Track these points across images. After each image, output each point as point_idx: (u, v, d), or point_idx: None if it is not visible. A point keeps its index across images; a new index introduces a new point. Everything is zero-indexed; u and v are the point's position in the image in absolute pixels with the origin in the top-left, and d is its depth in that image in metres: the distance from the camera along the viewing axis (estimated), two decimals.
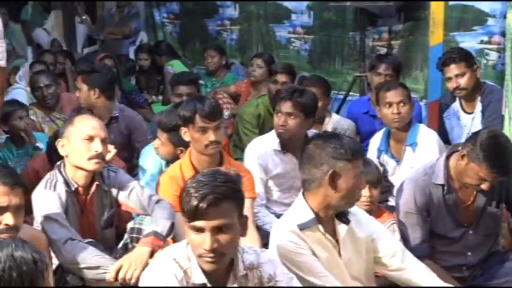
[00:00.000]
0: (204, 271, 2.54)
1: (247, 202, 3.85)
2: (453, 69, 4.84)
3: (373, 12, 6.74)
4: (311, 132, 4.28)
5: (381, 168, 4.45)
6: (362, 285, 3.10)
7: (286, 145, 4.30)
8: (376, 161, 4.43)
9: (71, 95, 6.11)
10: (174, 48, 8.48)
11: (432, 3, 5.60)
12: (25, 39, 9.44)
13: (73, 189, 3.49)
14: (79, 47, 9.48)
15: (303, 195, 3.05)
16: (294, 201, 3.11)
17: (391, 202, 4.44)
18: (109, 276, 3.15)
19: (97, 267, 3.17)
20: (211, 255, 2.46)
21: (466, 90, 4.87)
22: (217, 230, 2.44)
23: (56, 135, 3.68)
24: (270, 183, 4.41)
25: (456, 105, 5.06)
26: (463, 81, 4.84)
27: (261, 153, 4.36)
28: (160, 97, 7.86)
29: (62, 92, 6.03)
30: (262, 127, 5.40)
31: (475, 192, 3.64)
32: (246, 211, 3.80)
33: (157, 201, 3.55)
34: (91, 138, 3.44)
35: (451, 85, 4.89)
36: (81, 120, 3.56)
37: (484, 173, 3.38)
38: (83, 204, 3.55)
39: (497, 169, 3.37)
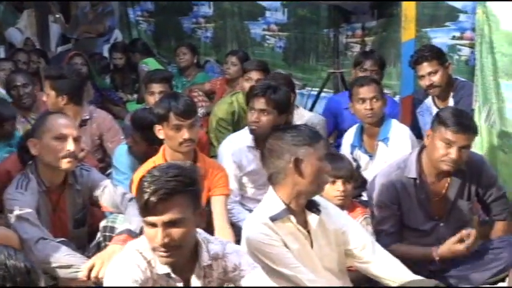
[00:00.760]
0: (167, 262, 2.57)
1: (221, 199, 3.94)
2: (426, 67, 4.89)
3: (346, 9, 6.77)
4: None
5: (354, 164, 4.49)
6: (334, 276, 3.12)
7: (260, 142, 4.31)
8: (349, 157, 4.46)
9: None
10: (149, 46, 8.45)
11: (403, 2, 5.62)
12: None
13: (45, 188, 3.47)
14: (53, 45, 9.41)
15: (273, 189, 3.07)
16: (264, 196, 3.13)
17: (365, 197, 4.47)
18: (81, 275, 3.14)
19: (69, 266, 3.15)
20: (163, 249, 2.48)
21: (439, 88, 4.92)
22: (169, 225, 2.46)
23: (27, 135, 3.66)
24: (245, 179, 4.42)
25: (429, 101, 5.10)
26: (436, 79, 4.89)
27: (235, 150, 4.37)
28: (135, 96, 7.83)
29: (37, 92, 5.96)
30: (237, 124, 5.39)
31: (446, 184, 3.70)
32: (220, 208, 3.90)
33: (131, 199, 3.54)
34: (63, 137, 3.43)
35: (424, 83, 4.93)
36: (53, 119, 3.54)
37: (449, 135, 3.49)
38: (55, 203, 3.53)
39: (458, 126, 3.48)
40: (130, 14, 9.45)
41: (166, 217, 2.45)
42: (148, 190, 2.44)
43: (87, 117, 5.00)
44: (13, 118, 4.89)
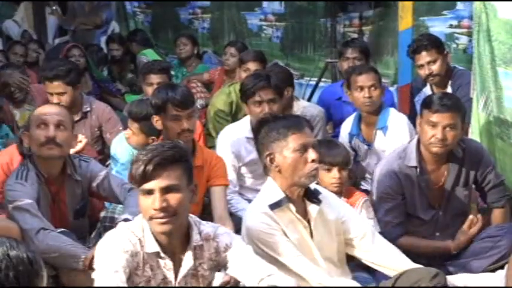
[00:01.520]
0: (157, 241, 2.61)
1: (220, 189, 3.95)
2: (425, 57, 4.88)
3: None
4: None
5: (353, 153, 4.49)
6: (334, 266, 3.13)
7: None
8: (347, 146, 4.46)
9: (42, 87, 6.02)
10: (148, 37, 8.43)
11: None
12: None
13: (43, 179, 3.47)
14: (50, 37, 9.40)
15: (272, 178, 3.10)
16: (263, 185, 3.14)
17: (364, 186, 4.49)
18: (82, 265, 3.14)
19: (70, 257, 3.15)
20: (162, 214, 2.54)
21: (438, 77, 4.92)
22: (166, 190, 2.54)
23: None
24: (243, 170, 4.42)
25: (427, 89, 5.10)
26: (435, 68, 4.88)
27: (234, 141, 4.37)
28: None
29: (33, 83, 5.95)
30: (235, 115, 5.40)
31: (445, 172, 3.71)
32: (219, 198, 3.91)
33: (129, 190, 3.55)
34: (44, 124, 3.42)
35: (423, 72, 4.93)
36: (40, 109, 3.56)
37: (432, 116, 3.56)
38: (54, 194, 3.53)
39: (439, 106, 3.56)
40: (127, 5, 9.45)
41: (163, 182, 2.53)
42: (145, 158, 2.53)
43: (88, 109, 5.01)
44: None
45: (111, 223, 3.48)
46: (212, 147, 4.77)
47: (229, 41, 7.34)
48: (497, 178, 3.86)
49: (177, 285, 2.67)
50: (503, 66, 4.25)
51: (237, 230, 3.42)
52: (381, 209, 3.77)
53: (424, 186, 3.73)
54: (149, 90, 5.06)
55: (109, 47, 8.19)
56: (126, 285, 2.52)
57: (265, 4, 7.85)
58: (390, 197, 3.74)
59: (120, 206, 3.54)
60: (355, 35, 6.91)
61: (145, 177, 2.52)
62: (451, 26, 6.15)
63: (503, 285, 3.24)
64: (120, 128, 4.89)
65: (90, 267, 3.11)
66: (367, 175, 4.59)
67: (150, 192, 2.54)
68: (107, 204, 3.83)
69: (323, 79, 6.71)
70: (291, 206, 3.04)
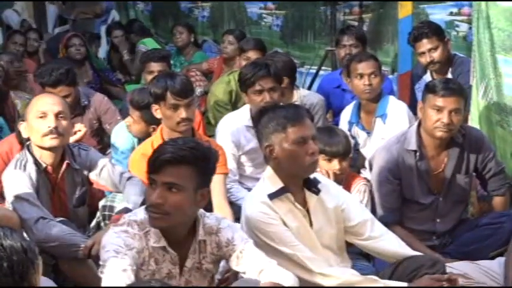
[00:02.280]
0: (163, 235, 2.60)
1: (219, 177, 3.94)
2: (426, 44, 4.87)
3: None
4: None
5: (352, 141, 4.49)
6: (333, 254, 3.13)
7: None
8: (347, 134, 4.45)
9: None
10: (145, 27, 8.41)
11: None
12: None
13: (42, 168, 3.47)
14: (50, 27, 9.39)
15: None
16: (263, 174, 3.13)
17: (363, 174, 4.48)
18: (81, 254, 3.15)
19: (69, 246, 3.16)
20: (153, 209, 2.54)
21: (439, 64, 4.91)
22: (167, 187, 2.53)
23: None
24: (243, 158, 4.42)
25: (428, 77, 5.09)
26: (436, 55, 4.87)
27: (233, 130, 4.36)
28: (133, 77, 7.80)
29: (32, 73, 5.93)
30: (235, 103, 5.39)
31: (446, 159, 3.72)
32: (219, 186, 3.90)
33: (129, 178, 3.55)
34: (44, 115, 3.41)
35: (424, 59, 4.92)
36: (36, 99, 3.55)
37: (437, 101, 3.57)
38: (53, 183, 3.53)
39: (445, 90, 3.57)
40: None
41: (166, 178, 2.53)
42: (162, 150, 2.55)
43: (86, 102, 5.00)
44: None
45: (110, 212, 3.48)
46: (212, 136, 4.77)
47: (227, 29, 7.31)
48: (498, 166, 3.86)
49: (181, 278, 2.68)
50: (502, 53, 4.25)
51: (237, 219, 3.43)
52: (376, 193, 3.79)
53: (423, 171, 3.73)
54: (150, 78, 5.05)
55: (112, 34, 8.12)
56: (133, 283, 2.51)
57: None
58: (387, 180, 3.74)
59: (120, 194, 3.53)
60: (355, 23, 6.89)
61: (155, 167, 2.55)
62: (451, 14, 6.13)
63: (502, 271, 3.25)
64: (119, 118, 4.89)
65: (89, 256, 3.14)
66: (366, 163, 4.58)
67: (154, 183, 2.55)
68: (106, 192, 3.83)
69: (323, 67, 6.70)
70: (290, 196, 3.02)
